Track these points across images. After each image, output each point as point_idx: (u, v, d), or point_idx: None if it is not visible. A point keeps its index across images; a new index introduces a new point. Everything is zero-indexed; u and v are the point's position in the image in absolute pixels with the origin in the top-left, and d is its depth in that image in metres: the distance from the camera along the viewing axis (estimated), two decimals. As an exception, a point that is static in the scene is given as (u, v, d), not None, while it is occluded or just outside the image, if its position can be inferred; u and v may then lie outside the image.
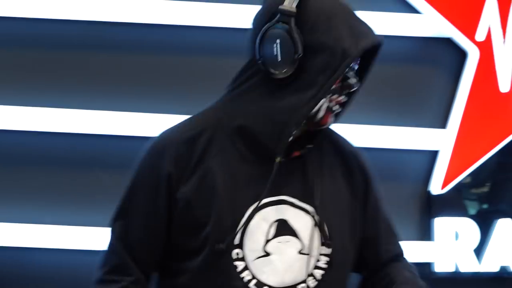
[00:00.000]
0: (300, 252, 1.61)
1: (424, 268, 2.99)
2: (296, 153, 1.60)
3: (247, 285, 1.58)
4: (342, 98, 1.56)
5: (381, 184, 3.23)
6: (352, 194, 1.69)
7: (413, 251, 2.98)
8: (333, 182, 1.67)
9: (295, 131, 1.57)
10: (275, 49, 1.53)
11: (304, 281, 1.61)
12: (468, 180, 3.09)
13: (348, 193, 1.69)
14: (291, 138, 1.57)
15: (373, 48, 1.57)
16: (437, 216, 3.01)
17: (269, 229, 1.60)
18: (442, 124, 3.05)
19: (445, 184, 3.03)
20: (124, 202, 1.62)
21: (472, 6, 3.07)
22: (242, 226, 1.58)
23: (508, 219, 3.05)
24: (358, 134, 3.01)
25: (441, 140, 3.04)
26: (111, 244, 1.62)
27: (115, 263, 1.61)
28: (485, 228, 3.05)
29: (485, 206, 3.21)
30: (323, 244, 1.62)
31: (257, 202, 1.57)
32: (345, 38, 1.53)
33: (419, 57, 3.14)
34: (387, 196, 3.04)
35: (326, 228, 1.62)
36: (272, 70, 1.53)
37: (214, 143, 1.60)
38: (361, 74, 1.61)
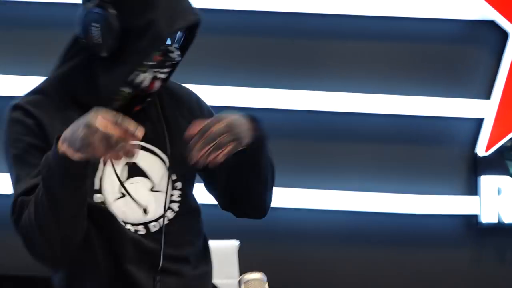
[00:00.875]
0: (152, 190, 1.75)
1: (472, 219, 3.21)
2: (137, 108, 1.74)
3: (116, 225, 1.70)
4: (166, 70, 1.70)
5: (436, 148, 3.36)
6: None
7: (462, 205, 3.23)
8: (176, 122, 1.80)
9: (110, 100, 1.69)
10: (94, 30, 1.66)
11: (162, 216, 1.73)
12: (509, 143, 3.28)
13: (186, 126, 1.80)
14: (112, 103, 1.68)
15: (193, 25, 1.69)
16: (482, 175, 3.22)
17: (122, 172, 1.74)
18: (487, 95, 3.23)
19: (489, 147, 3.23)
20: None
21: None
22: (98, 174, 1.71)
23: None
24: (416, 105, 3.23)
25: (485, 110, 3.23)
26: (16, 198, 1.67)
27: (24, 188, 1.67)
28: None
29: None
30: (175, 181, 1.77)
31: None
32: (160, 20, 1.65)
33: (466, 37, 3.30)
34: (441, 157, 3.23)
35: (173, 162, 1.78)
36: (92, 48, 1.66)
37: (56, 111, 1.73)
38: (187, 43, 1.73)
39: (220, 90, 3.04)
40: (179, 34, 1.72)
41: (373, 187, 3.29)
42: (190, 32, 1.74)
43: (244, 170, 1.76)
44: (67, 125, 1.57)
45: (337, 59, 3.32)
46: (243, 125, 1.62)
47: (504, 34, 3.21)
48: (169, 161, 1.75)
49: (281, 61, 3.17)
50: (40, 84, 1.75)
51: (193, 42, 1.76)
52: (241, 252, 2.31)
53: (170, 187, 1.75)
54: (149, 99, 1.74)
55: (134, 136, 1.46)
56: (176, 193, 1.76)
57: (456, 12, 3.19)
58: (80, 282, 1.72)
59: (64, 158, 1.48)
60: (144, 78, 1.68)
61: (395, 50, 3.37)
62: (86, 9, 1.66)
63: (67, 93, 1.71)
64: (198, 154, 1.55)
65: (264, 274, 1.50)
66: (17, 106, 1.70)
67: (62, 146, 1.49)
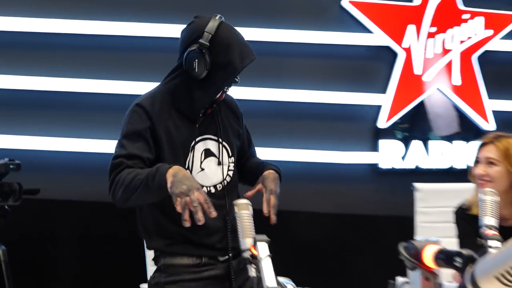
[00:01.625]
0: (218, 164, 2.11)
1: (374, 165, 3.87)
2: (209, 111, 2.08)
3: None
4: (229, 88, 2.06)
5: (354, 123, 3.81)
6: (238, 125, 2.20)
7: (368, 157, 3.87)
8: (228, 121, 2.15)
9: (203, 109, 2.02)
10: (194, 64, 1.96)
11: (224, 180, 2.11)
12: (398, 120, 3.99)
13: (236, 124, 2.17)
14: (203, 111, 2.01)
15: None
16: (381, 139, 3.94)
17: (201, 155, 2.07)
18: (384, 91, 3.96)
19: (385, 122, 3.96)
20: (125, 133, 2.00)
21: (400, 28, 3.96)
22: (190, 157, 2.03)
23: (418, 141, 4.01)
24: (340, 97, 3.79)
25: (383, 100, 3.93)
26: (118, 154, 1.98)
27: (123, 153, 1.97)
28: (406, 145, 4.01)
29: (406, 134, 4.05)
30: (229, 156, 2.11)
31: (193, 143, 2.03)
32: (235, 60, 1.97)
33: (372, 56, 3.94)
34: (357, 129, 3.93)
35: (227, 144, 2.11)
36: (192, 75, 1.96)
37: (163, 112, 2.02)
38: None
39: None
40: None
41: (311, 146, 3.81)
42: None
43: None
44: (169, 123, 2.00)
45: (290, 70, 3.87)
46: (278, 187, 2.08)
47: (394, 54, 3.98)
48: (223, 146, 2.12)
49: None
50: (153, 91, 2.09)
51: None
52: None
53: (227, 162, 2.12)
54: (215, 105, 2.10)
55: (208, 211, 1.82)
56: (231, 166, 2.14)
57: (366, 40, 3.91)
58: (168, 226, 2.03)
59: (163, 186, 1.84)
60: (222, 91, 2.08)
61: (327, 64, 3.90)
62: (190, 49, 1.99)
63: (171, 101, 2.05)
64: (272, 217, 2.00)
65: (248, 200, 1.75)
66: (139, 103, 2.05)
67: (168, 178, 1.83)
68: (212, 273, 2.08)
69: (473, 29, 4.08)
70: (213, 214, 1.82)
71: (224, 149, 2.12)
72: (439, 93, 4.08)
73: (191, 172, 2.02)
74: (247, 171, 2.21)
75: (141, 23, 3.57)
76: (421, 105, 4.05)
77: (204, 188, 2.03)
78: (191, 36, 2.00)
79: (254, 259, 1.65)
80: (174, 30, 3.21)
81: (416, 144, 4.06)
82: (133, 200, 1.92)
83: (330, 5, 3.91)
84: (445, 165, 4.07)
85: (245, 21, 3.65)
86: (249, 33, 3.61)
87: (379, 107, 3.99)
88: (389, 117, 4.00)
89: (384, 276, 2.42)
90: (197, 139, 2.06)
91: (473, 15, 4.11)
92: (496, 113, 4.12)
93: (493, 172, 2.33)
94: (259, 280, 1.00)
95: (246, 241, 1.69)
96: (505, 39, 4.17)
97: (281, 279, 2.38)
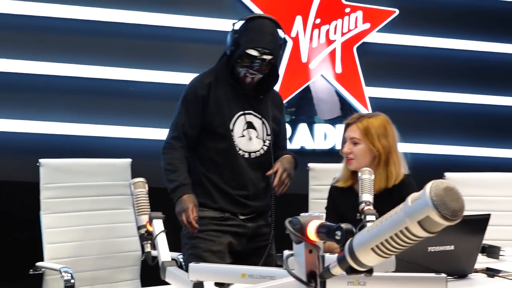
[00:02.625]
0: (257, 137, 2.47)
1: None
2: (261, 96, 2.48)
3: (234, 149, 2.42)
4: (253, 72, 2.35)
5: None
6: (277, 111, 2.56)
7: None
8: (271, 106, 2.51)
9: (227, 78, 2.38)
10: (228, 43, 2.39)
11: (259, 150, 2.47)
12: (286, 104, 3.82)
13: (276, 110, 2.54)
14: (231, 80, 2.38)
15: (265, 53, 2.34)
16: None
17: (244, 125, 2.46)
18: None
19: None
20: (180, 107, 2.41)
21: (288, 19, 4.04)
22: (233, 121, 2.42)
23: (304, 124, 4.13)
24: None
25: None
26: (174, 123, 2.41)
27: (174, 135, 2.42)
28: (294, 128, 4.11)
29: (293, 117, 4.17)
30: (267, 135, 2.47)
31: (240, 112, 2.42)
32: (247, 42, 2.32)
33: None
34: None
35: (268, 126, 2.48)
36: (227, 52, 2.39)
37: (217, 85, 2.41)
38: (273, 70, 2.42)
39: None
40: (262, 60, 2.35)
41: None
42: (273, 63, 2.41)
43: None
44: (222, 92, 2.38)
45: (184, 54, 3.86)
46: (292, 169, 2.43)
47: (284, 42, 3.62)
48: (264, 124, 2.49)
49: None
50: (210, 69, 2.48)
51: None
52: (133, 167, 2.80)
53: (264, 138, 2.49)
54: (261, 96, 2.50)
55: (192, 228, 2.30)
56: (267, 142, 2.50)
57: None
58: (213, 176, 2.45)
59: (178, 199, 2.35)
60: (240, 71, 2.39)
61: (221, 50, 3.44)
62: (229, 34, 2.40)
63: (224, 74, 2.43)
64: (278, 189, 2.38)
65: (144, 179, 1.81)
66: (196, 79, 2.45)
67: (179, 198, 2.33)
68: (232, 229, 2.43)
69: (353, 22, 4.23)
70: (195, 231, 2.30)
71: (264, 127, 2.47)
72: (323, 79, 4.20)
73: (232, 134, 2.42)
74: (274, 158, 2.48)
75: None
76: (307, 90, 4.16)
77: (241, 152, 2.43)
78: (234, 24, 2.39)
79: (150, 236, 1.65)
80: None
81: (302, 127, 4.18)
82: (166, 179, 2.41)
83: (225, -6, 3.94)
84: (327, 146, 4.20)
85: (142, 6, 3.75)
86: (146, 18, 3.79)
87: (269, 91, 4.02)
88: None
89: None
90: (244, 111, 2.43)
91: (354, 9, 4.25)
92: (372, 99, 4.29)
93: (356, 150, 2.40)
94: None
95: (142, 218, 1.70)
96: (381, 32, 4.37)
97: (175, 254, 2.44)
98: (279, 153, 2.50)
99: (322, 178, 2.99)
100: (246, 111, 2.44)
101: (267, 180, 2.46)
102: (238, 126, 2.42)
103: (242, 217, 2.46)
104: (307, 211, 3.03)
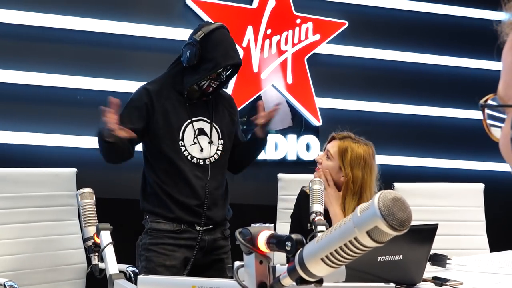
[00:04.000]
0: (209, 142, 2.50)
1: None
2: (204, 99, 2.49)
3: (186, 158, 2.44)
4: (217, 82, 2.44)
5: None
6: (230, 116, 2.58)
7: None
8: (222, 110, 2.53)
9: (186, 91, 2.38)
10: (187, 54, 2.40)
11: (212, 156, 2.49)
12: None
13: (228, 115, 2.56)
14: (186, 92, 2.38)
15: (237, 65, 2.45)
16: None
17: (194, 132, 2.47)
18: (224, 86, 3.41)
19: None
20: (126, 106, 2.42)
21: (240, 29, 4.00)
22: (182, 130, 2.44)
23: None
24: None
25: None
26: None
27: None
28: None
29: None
30: (219, 139, 2.49)
31: (188, 121, 2.45)
32: (219, 58, 2.37)
33: None
34: None
35: (219, 130, 2.50)
36: (184, 64, 2.40)
37: (162, 95, 2.42)
38: (232, 73, 2.50)
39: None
40: (227, 68, 2.44)
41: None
42: (234, 69, 2.49)
43: (253, 147, 2.62)
44: (166, 102, 2.38)
45: (135, 62, 3.82)
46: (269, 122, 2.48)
47: None
48: (215, 128, 2.50)
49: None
50: (159, 77, 2.50)
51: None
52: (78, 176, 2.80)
53: (217, 142, 2.50)
54: (210, 96, 2.50)
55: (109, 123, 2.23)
56: (220, 147, 2.53)
57: None
58: (168, 186, 2.44)
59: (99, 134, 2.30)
60: (204, 83, 2.45)
61: (171, 59, 3.50)
62: (186, 43, 2.41)
63: (171, 84, 2.46)
64: (260, 120, 2.43)
65: (92, 190, 1.78)
66: (144, 86, 2.46)
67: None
68: (189, 242, 2.43)
69: (304, 33, 4.25)
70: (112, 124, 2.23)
71: (215, 131, 2.50)
72: (274, 90, 4.20)
73: (184, 143, 2.45)
74: (243, 145, 2.61)
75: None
76: (259, 100, 3.98)
77: (194, 160, 2.46)
78: (192, 34, 2.42)
79: (97, 247, 1.64)
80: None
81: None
82: (106, 155, 2.39)
83: (175, 3, 3.93)
84: (278, 157, 4.20)
85: (90, 12, 3.70)
86: (93, 24, 3.73)
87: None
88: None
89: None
90: (193, 119, 2.45)
91: (304, 20, 4.28)
92: (322, 110, 4.31)
93: (325, 164, 2.44)
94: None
95: (89, 230, 1.69)
96: (331, 43, 4.41)
97: (123, 266, 2.44)
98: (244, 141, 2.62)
99: (291, 188, 3.00)
100: (194, 119, 2.46)
101: (225, 188, 2.53)
102: (188, 134, 2.45)
103: (199, 228, 2.46)
104: (275, 222, 3.12)
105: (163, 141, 2.44)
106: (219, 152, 2.52)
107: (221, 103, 2.56)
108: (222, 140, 2.51)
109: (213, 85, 2.44)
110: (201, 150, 2.47)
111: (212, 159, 2.49)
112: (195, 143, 2.47)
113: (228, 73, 2.47)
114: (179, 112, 2.45)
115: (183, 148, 2.45)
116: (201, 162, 2.47)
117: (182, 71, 2.45)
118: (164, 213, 2.43)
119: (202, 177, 2.45)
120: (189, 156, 2.46)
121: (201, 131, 2.49)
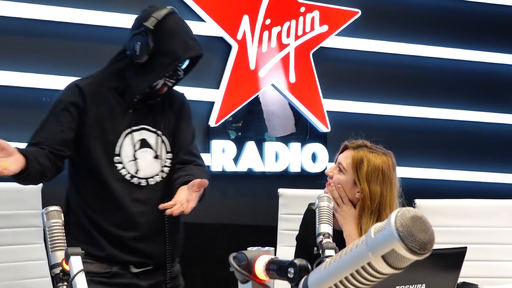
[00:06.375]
0: (155, 157, 2.30)
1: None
2: (150, 101, 2.29)
3: (124, 177, 2.24)
4: (173, 81, 2.25)
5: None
6: (174, 114, 2.35)
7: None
8: (171, 115, 2.32)
9: (139, 95, 2.20)
10: (136, 46, 2.18)
11: (158, 174, 2.30)
12: (230, 119, 4.08)
13: (172, 114, 2.33)
14: (139, 97, 2.19)
15: (196, 57, 2.27)
16: (213, 139, 4.00)
17: (135, 144, 2.26)
18: (217, 86, 4.03)
19: (217, 121, 4.02)
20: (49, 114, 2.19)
21: (234, 18, 4.01)
22: (120, 142, 2.22)
23: (252, 142, 4.11)
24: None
25: (215, 96, 3.99)
26: (37, 129, 2.17)
27: (34, 142, 2.18)
28: (239, 146, 4.07)
29: (240, 133, 4.18)
30: (167, 152, 2.30)
31: (128, 130, 2.24)
32: (178, 49, 2.17)
33: (206, 47, 3.18)
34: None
35: (167, 141, 2.31)
36: (133, 59, 2.19)
37: (98, 95, 2.22)
38: (189, 67, 2.29)
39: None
40: (186, 61, 2.26)
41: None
42: (193, 61, 2.31)
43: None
44: (103, 106, 2.17)
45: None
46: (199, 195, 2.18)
47: (229, 46, 4.06)
48: (161, 139, 2.30)
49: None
50: (95, 73, 2.30)
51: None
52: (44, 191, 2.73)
53: (164, 157, 2.30)
54: (158, 99, 2.31)
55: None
56: (168, 162, 2.33)
57: (198, 29, 3.78)
58: (96, 214, 2.23)
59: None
60: (158, 83, 2.24)
61: None
62: (134, 32, 2.20)
63: (111, 84, 2.25)
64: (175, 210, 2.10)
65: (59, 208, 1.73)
66: (76, 83, 2.24)
67: None
68: (122, 281, 2.25)
69: (309, 24, 4.25)
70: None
71: (161, 142, 2.30)
72: (274, 90, 4.21)
73: (121, 159, 2.22)
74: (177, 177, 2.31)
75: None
76: (256, 102, 4.18)
77: (135, 179, 2.25)
78: (139, 21, 2.21)
79: (66, 276, 1.62)
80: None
81: (250, 145, 4.16)
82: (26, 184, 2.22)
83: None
84: (280, 168, 4.20)
85: (77, 3, 3.68)
86: (81, 15, 3.73)
87: (212, 103, 4.05)
88: (221, 115, 4.07)
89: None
90: (133, 128, 2.25)
91: (309, 8, 4.28)
92: (330, 113, 4.31)
93: (337, 178, 2.38)
94: None
95: (57, 255, 1.65)
96: (341, 35, 4.40)
97: None
98: (186, 159, 2.36)
99: (294, 206, 2.99)
100: (135, 127, 2.29)
101: (175, 216, 2.25)
102: (126, 147, 2.26)
103: (135, 270, 2.29)
104: (275, 245, 3.07)
105: (94, 155, 2.23)
106: (166, 169, 2.33)
107: (170, 106, 2.36)
108: (170, 154, 2.33)
109: (169, 83, 2.27)
110: (145, 167, 2.28)
111: (158, 178, 2.30)
112: (135, 159, 2.27)
113: (183, 67, 2.29)
114: (117, 118, 2.25)
115: (119, 165, 2.26)
116: (143, 183, 2.28)
117: (126, 68, 2.26)
118: (92, 251, 2.21)
119: (143, 201, 2.26)
120: (128, 175, 2.27)
121: (144, 143, 2.30)
